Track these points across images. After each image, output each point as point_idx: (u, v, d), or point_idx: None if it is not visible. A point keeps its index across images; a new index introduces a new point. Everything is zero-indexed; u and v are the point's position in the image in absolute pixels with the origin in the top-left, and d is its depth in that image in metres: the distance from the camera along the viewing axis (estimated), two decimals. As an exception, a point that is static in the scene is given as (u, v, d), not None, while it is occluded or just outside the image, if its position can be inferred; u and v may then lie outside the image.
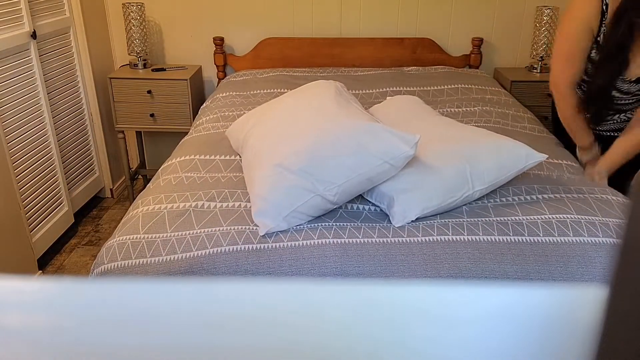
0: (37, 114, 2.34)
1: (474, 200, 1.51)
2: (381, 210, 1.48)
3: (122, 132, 2.88)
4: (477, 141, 1.54)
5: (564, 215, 1.43)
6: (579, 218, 1.42)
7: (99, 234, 2.67)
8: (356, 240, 1.35)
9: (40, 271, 2.30)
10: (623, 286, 0.24)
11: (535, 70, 2.86)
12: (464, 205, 1.49)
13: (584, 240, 1.35)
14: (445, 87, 2.53)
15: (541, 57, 2.80)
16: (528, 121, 2.17)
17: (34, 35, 2.27)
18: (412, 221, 1.42)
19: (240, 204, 1.50)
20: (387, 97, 2.44)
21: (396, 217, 1.41)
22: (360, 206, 1.50)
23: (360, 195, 1.54)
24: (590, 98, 1.79)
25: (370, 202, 1.52)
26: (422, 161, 1.48)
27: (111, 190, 3.03)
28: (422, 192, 1.41)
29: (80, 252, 2.52)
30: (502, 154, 1.50)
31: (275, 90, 2.49)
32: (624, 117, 1.85)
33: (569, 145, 1.94)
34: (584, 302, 0.37)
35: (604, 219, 1.42)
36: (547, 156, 1.57)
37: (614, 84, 1.74)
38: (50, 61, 2.47)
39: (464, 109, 2.26)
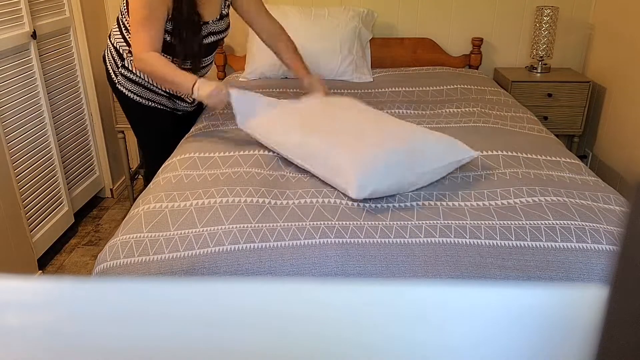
0: (37, 114, 2.34)
1: (475, 202, 1.51)
2: (382, 207, 1.49)
3: (122, 132, 2.87)
4: (420, 134, 1.65)
5: (568, 222, 1.42)
6: (583, 225, 1.41)
7: (99, 234, 2.67)
8: (358, 240, 1.35)
9: (40, 271, 2.30)
10: (623, 286, 0.24)
11: (535, 70, 2.86)
12: (424, 191, 1.57)
13: (586, 247, 1.35)
14: (445, 87, 2.54)
15: (541, 57, 2.80)
16: (527, 121, 2.17)
17: (34, 35, 2.27)
18: (415, 222, 1.42)
19: (239, 199, 1.51)
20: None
21: (353, 190, 1.46)
22: (362, 204, 1.51)
23: None
24: (187, 56, 1.95)
25: (369, 200, 1.52)
26: (373, 143, 1.55)
27: (111, 190, 3.03)
28: (372, 169, 1.47)
29: (81, 252, 2.52)
30: (440, 144, 1.61)
31: (275, 90, 2.49)
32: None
33: None
34: (584, 302, 0.37)
35: (608, 227, 1.41)
36: (481, 153, 1.76)
37: (202, 38, 1.95)
38: (50, 61, 2.47)
39: (463, 109, 2.26)
